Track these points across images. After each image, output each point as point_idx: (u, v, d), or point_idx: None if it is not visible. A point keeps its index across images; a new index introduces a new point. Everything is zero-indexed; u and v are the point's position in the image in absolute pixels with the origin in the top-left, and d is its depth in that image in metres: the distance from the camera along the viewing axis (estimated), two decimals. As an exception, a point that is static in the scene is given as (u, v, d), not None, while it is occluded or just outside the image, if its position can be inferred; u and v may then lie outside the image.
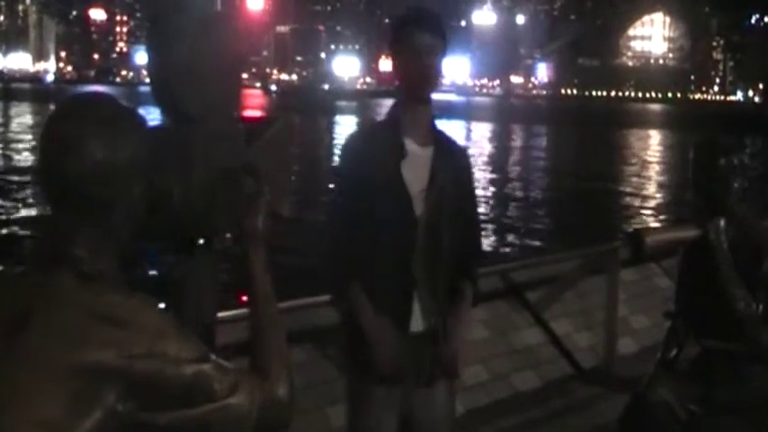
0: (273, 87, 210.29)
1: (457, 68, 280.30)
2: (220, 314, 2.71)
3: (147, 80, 2.15)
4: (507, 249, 18.55)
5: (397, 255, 3.33)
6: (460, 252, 3.46)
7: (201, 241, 2.10)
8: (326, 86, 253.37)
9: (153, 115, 2.24)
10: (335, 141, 46.16)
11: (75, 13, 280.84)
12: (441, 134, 3.51)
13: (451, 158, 3.46)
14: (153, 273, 2.20)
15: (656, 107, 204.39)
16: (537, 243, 19.78)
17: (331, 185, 3.56)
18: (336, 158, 3.54)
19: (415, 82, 3.38)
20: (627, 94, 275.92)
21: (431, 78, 3.38)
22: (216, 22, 2.19)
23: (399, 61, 3.41)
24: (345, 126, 66.09)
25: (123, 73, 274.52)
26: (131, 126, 1.76)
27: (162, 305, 1.72)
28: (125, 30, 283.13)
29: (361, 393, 3.43)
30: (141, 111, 1.83)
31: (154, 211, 1.83)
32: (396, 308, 3.34)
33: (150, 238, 2.02)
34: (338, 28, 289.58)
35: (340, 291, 3.43)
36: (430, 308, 3.37)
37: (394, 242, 3.32)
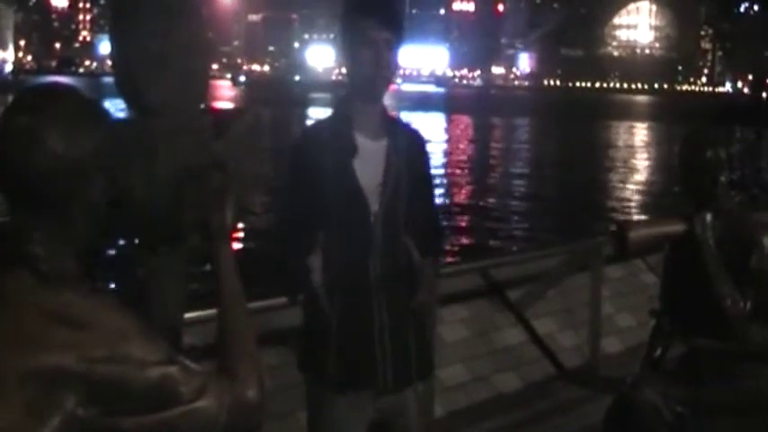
0: (242, 78, 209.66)
1: (435, 59, 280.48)
2: (188, 315, 2.70)
3: (111, 71, 2.15)
4: (487, 246, 18.58)
5: (354, 254, 3.30)
6: (421, 239, 3.47)
7: (166, 239, 2.10)
8: (298, 78, 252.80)
9: (117, 107, 2.24)
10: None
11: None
12: (393, 124, 3.47)
13: (406, 148, 3.43)
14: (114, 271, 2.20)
15: (642, 98, 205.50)
16: (518, 239, 19.84)
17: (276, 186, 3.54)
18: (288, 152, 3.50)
19: (365, 79, 3.33)
20: (612, 85, 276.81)
21: (382, 75, 3.32)
22: (183, 10, 2.18)
23: (347, 54, 3.36)
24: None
25: (86, 63, 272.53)
26: (93, 119, 1.75)
27: (125, 305, 1.71)
28: (88, 18, 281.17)
29: (322, 400, 3.38)
30: (105, 103, 1.83)
31: (115, 208, 1.82)
32: (355, 308, 3.30)
33: (112, 236, 2.01)
34: (311, 16, 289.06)
35: (297, 276, 3.40)
36: (391, 305, 3.33)
37: (350, 241, 3.30)
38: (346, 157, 3.30)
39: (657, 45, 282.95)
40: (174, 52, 2.10)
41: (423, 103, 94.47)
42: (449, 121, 70.93)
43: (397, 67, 3.39)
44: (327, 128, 3.45)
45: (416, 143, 3.55)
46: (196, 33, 2.19)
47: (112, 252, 2.19)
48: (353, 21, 3.36)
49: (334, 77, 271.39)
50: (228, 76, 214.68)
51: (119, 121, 2.02)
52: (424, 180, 3.57)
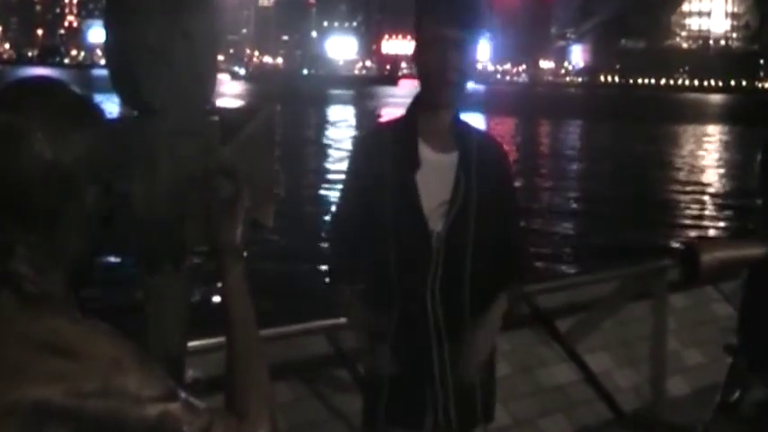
0: (241, 71, 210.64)
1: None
2: (191, 343, 2.72)
3: (104, 62, 2.17)
4: (533, 268, 18.51)
5: (411, 280, 3.33)
6: (493, 270, 3.44)
7: (168, 256, 2.11)
8: (306, 71, 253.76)
9: (110, 105, 2.26)
10: (327, 138, 46.23)
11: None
12: (467, 134, 3.48)
13: (483, 163, 3.42)
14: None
15: (715, 98, 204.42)
16: (569, 261, 19.77)
17: (325, 190, 3.65)
18: (341, 159, 3.61)
19: (437, 82, 3.36)
20: (680, 82, 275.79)
21: (448, 79, 3.34)
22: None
23: (417, 53, 3.40)
24: (340, 120, 66.18)
25: (73, 53, 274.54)
26: (84, 119, 1.76)
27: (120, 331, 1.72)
28: (75, 0, 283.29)
29: None
30: (96, 99, 1.84)
31: (111, 221, 1.84)
32: (411, 343, 3.35)
33: (107, 253, 2.03)
34: (332, 1, 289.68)
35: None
36: (453, 340, 3.35)
37: (407, 265, 3.33)
38: (407, 171, 3.33)
39: (734, 36, 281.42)
40: (178, 43, 2.12)
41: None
42: (488, 123, 70.82)
43: (470, 68, 3.41)
44: (390, 135, 3.47)
45: (494, 156, 3.55)
46: (204, 22, 2.21)
47: (107, 271, 2.20)
48: (419, 16, 3.40)
49: (357, 71, 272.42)
50: (236, 68, 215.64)
51: (114, 121, 2.04)
52: (504, 198, 3.54)
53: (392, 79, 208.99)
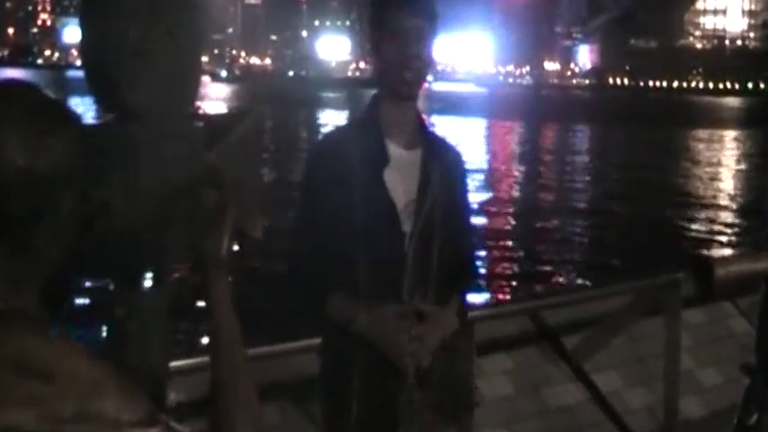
0: (223, 73, 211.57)
1: (475, 52, 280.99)
2: (173, 363, 2.72)
3: (79, 63, 2.17)
4: (539, 282, 18.55)
5: (383, 276, 3.39)
6: (451, 271, 3.53)
7: (149, 269, 2.11)
8: (292, 73, 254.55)
9: (86, 108, 2.25)
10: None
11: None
12: (430, 134, 3.64)
13: (444, 163, 3.54)
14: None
15: (731, 101, 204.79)
16: (576, 274, 19.80)
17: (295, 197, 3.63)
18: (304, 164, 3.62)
19: (392, 74, 3.44)
20: (694, 84, 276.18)
21: (411, 69, 3.42)
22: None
23: (376, 47, 3.48)
24: (330, 125, 66.20)
25: (47, 53, 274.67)
26: (59, 123, 1.76)
27: (97, 351, 1.71)
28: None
29: None
30: (71, 102, 1.84)
31: (88, 232, 1.83)
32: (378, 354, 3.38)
33: (84, 266, 2.03)
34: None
35: (318, 307, 3.47)
36: None
37: (379, 262, 3.37)
38: (376, 168, 3.38)
39: (752, 35, 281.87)
40: (160, 42, 2.12)
41: (458, 105, 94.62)
42: (490, 127, 70.97)
43: (430, 60, 3.50)
44: (353, 133, 3.57)
45: (453, 160, 3.67)
46: (188, 19, 2.21)
47: (84, 286, 2.20)
48: (376, 6, 3.51)
49: (349, 73, 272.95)
50: (221, 71, 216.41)
51: (91, 126, 2.03)
52: (461, 206, 3.65)
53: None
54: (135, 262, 2.11)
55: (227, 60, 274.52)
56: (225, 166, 2.17)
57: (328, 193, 3.41)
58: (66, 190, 1.75)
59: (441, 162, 3.51)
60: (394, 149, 3.45)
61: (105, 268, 2.15)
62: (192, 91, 2.25)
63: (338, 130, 3.78)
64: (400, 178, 3.42)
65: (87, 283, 2.23)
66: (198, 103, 2.33)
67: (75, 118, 1.80)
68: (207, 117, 2.31)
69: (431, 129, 3.66)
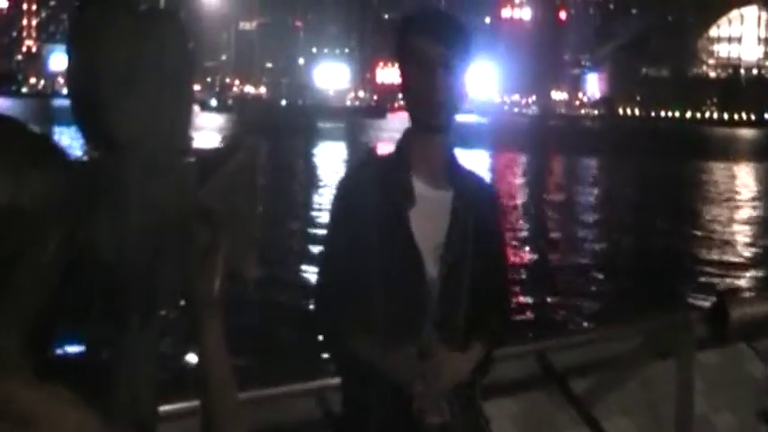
0: (213, 102, 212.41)
1: (479, 81, 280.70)
2: (162, 407, 2.72)
3: (66, 92, 2.17)
4: (544, 322, 18.51)
5: (405, 326, 3.36)
6: (480, 321, 3.49)
7: (137, 310, 2.11)
8: (285, 102, 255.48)
9: (71, 138, 2.26)
10: (318, 176, 46.36)
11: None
12: (461, 172, 3.56)
13: (476, 204, 3.49)
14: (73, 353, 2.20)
15: (748, 132, 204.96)
16: (584, 314, 19.77)
17: (319, 232, 3.67)
18: (329, 201, 3.64)
19: (424, 104, 3.42)
20: (707, 114, 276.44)
21: (438, 101, 3.40)
22: (163, 18, 2.21)
23: (404, 77, 3.46)
24: (329, 156, 66.39)
25: (32, 81, 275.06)
26: (44, 158, 1.76)
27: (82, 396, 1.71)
28: (34, 22, 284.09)
29: None
30: (58, 131, 1.84)
31: (73, 272, 1.83)
32: (401, 399, 3.35)
33: (68, 308, 2.03)
34: (321, 25, 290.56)
35: (338, 349, 3.49)
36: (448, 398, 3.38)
37: (401, 311, 3.35)
38: (401, 209, 3.36)
39: None
40: (148, 71, 2.12)
41: (459, 137, 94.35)
42: (494, 159, 71.02)
43: (462, 90, 3.47)
44: (380, 169, 3.54)
45: (487, 201, 3.63)
46: (179, 48, 2.21)
47: (68, 329, 2.19)
48: (403, 32, 3.48)
49: (348, 102, 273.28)
50: (210, 99, 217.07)
51: (77, 161, 2.03)
52: (495, 252, 3.60)
53: (380, 111, 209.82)
54: (122, 303, 2.10)
55: (218, 88, 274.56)
56: (217, 203, 2.16)
57: (350, 232, 3.41)
58: (51, 229, 1.75)
59: (473, 203, 3.47)
60: (421, 188, 3.42)
61: (91, 309, 2.15)
62: (184, 123, 2.25)
63: (365, 164, 3.76)
64: (427, 220, 3.39)
65: (72, 325, 2.22)
66: (191, 134, 2.33)
67: (60, 153, 1.80)
68: (199, 151, 2.30)
69: (463, 165, 3.59)
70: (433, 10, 3.58)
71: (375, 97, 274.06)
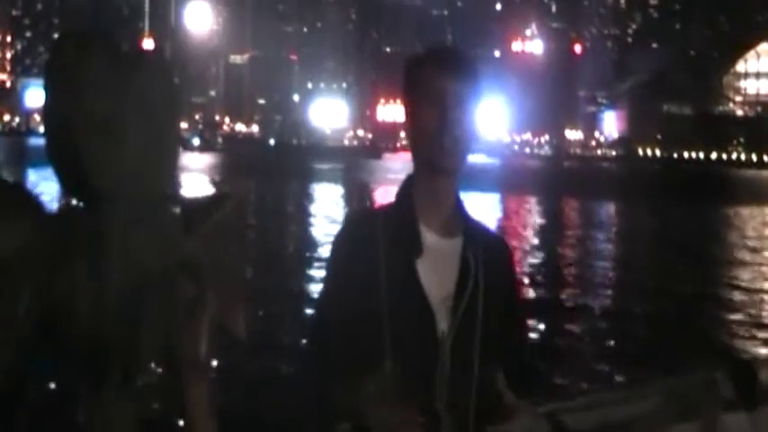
0: (195, 141, 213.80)
1: (489, 119, 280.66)
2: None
3: (42, 130, 2.16)
4: (558, 382, 18.46)
5: (413, 385, 3.32)
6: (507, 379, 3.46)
7: (117, 371, 2.11)
8: (273, 141, 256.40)
9: (48, 184, 2.27)
10: (312, 227, 46.37)
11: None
12: (471, 220, 3.55)
13: (487, 253, 3.48)
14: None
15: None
16: (598, 374, 19.71)
17: (314, 289, 3.66)
18: (326, 252, 3.60)
19: (434, 144, 3.40)
20: (734, 155, 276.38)
21: (450, 138, 3.38)
22: (146, 59, 2.21)
23: (412, 115, 3.46)
24: (325, 201, 66.45)
25: (6, 118, 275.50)
26: (18, 209, 1.77)
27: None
28: (9, 55, 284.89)
29: None
30: (33, 174, 1.85)
31: (49, 329, 1.84)
32: None
33: (42, 368, 2.03)
34: (317, 58, 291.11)
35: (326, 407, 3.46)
36: None
37: (409, 368, 3.33)
38: (407, 258, 3.36)
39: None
40: (131, 115, 2.13)
41: (466, 178, 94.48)
42: (503, 203, 71.04)
43: (472, 129, 3.47)
44: (384, 216, 3.51)
45: (498, 250, 3.63)
46: (163, 89, 2.22)
47: (43, 387, 2.20)
48: (410, 67, 3.49)
49: (346, 142, 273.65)
50: (192, 138, 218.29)
51: (53, 211, 2.04)
52: (509, 304, 3.59)
53: (375, 152, 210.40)
54: (101, 362, 2.09)
55: (200, 126, 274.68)
56: (203, 255, 2.17)
57: (352, 285, 3.37)
58: (24, 283, 1.76)
59: (483, 252, 3.45)
60: (429, 236, 3.41)
61: (67, 368, 2.15)
62: (168, 169, 2.24)
63: (367, 211, 3.77)
64: (435, 270, 3.38)
65: (47, 385, 2.22)
66: (174, 184, 2.33)
67: (32, 203, 1.81)
68: (183, 200, 2.31)
69: (470, 213, 3.58)
70: (445, 45, 3.57)
71: (370, 136, 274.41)
